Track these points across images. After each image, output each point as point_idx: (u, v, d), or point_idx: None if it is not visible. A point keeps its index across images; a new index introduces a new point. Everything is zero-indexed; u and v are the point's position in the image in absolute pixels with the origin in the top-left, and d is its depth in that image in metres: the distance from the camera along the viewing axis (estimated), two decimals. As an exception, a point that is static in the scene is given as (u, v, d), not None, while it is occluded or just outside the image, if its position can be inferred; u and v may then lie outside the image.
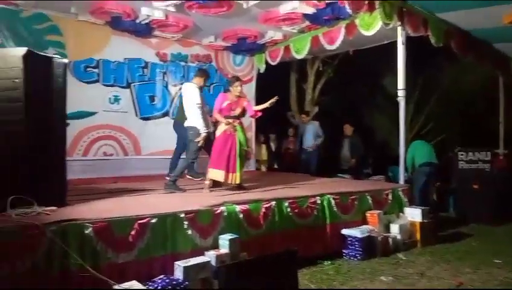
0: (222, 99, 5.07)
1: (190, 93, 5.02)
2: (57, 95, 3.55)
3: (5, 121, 3.24)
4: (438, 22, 6.00)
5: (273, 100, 5.12)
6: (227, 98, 5.06)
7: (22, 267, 2.69)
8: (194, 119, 4.91)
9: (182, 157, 6.05)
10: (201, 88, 5.18)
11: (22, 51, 3.32)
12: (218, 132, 5.01)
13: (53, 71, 3.51)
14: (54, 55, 3.66)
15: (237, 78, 5.20)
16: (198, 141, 4.82)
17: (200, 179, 5.72)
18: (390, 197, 5.37)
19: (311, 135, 8.16)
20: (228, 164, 4.86)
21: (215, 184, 5.01)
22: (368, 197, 5.12)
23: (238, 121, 5.09)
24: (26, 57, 3.29)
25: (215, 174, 4.88)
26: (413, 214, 5.24)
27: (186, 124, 5.02)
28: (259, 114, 5.27)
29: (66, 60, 3.67)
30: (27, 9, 5.73)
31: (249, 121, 8.18)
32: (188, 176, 6.04)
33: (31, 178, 3.29)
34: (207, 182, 4.94)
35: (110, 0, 5.65)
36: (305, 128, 8.31)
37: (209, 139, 5.02)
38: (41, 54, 3.60)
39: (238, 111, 5.06)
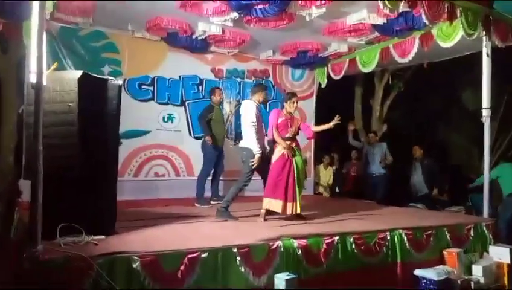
0: (277, 115, 4.99)
1: (246, 111, 4.99)
2: (110, 118, 3.65)
3: (59, 145, 3.36)
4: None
5: (336, 121, 4.96)
6: (282, 115, 4.98)
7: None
8: (249, 139, 4.86)
9: (209, 179, 6.23)
10: (260, 104, 5.13)
11: (77, 74, 3.46)
12: (275, 156, 4.90)
13: (107, 93, 3.62)
14: (109, 77, 3.78)
15: (293, 94, 5.13)
16: (253, 163, 4.75)
17: (216, 203, 5.78)
18: (472, 232, 5.08)
19: (379, 157, 7.82)
20: (286, 192, 4.74)
21: (270, 211, 4.91)
22: (446, 232, 4.87)
23: (295, 142, 4.99)
24: (81, 80, 3.42)
25: (272, 204, 4.77)
26: (500, 254, 4.89)
27: (241, 144, 5.00)
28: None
29: (120, 82, 3.77)
30: (85, 27, 6.08)
31: (306, 141, 8.05)
32: (196, 205, 6.03)
33: (82, 204, 3.37)
34: (262, 211, 4.84)
35: (166, 16, 5.82)
36: (371, 151, 7.98)
37: (264, 160, 4.92)
38: (97, 76, 3.73)
39: (294, 130, 4.98)
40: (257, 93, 5.07)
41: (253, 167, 4.79)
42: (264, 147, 5.03)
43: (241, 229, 4.30)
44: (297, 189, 4.79)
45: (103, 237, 3.39)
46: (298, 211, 4.79)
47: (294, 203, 4.77)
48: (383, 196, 7.56)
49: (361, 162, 8.52)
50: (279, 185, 4.75)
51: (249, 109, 4.97)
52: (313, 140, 8.18)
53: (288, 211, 4.77)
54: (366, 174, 8.00)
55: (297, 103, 5.05)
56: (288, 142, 4.89)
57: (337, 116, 4.97)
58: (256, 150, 4.80)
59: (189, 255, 3.23)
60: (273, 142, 5.04)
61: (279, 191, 4.74)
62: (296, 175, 4.80)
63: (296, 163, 4.87)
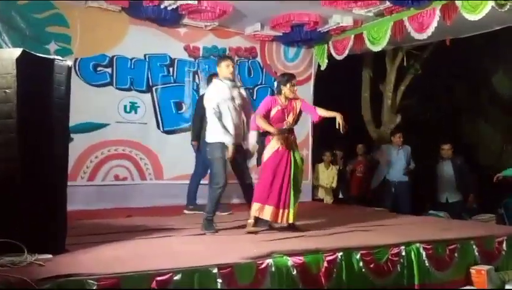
0: (270, 104, 4.94)
1: (207, 95, 4.94)
2: (58, 108, 3.61)
3: (-8, 142, 3.32)
4: None
5: (342, 126, 4.93)
6: (278, 103, 4.96)
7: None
8: (212, 130, 4.83)
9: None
10: (229, 81, 4.93)
11: (15, 53, 3.40)
12: (268, 152, 4.89)
13: (54, 77, 3.58)
14: (55, 57, 3.73)
15: (292, 75, 5.14)
16: (224, 158, 4.73)
17: (193, 212, 5.88)
18: (504, 246, 5.15)
19: (403, 163, 7.92)
20: (279, 197, 4.77)
21: (258, 220, 4.92)
22: (474, 246, 4.93)
23: (293, 135, 5.01)
24: (21, 61, 3.36)
25: (263, 211, 4.79)
26: (539, 273, 4.98)
27: (206, 138, 4.97)
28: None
29: (70, 63, 3.72)
30: (25, -6, 6.01)
31: (304, 134, 8.12)
32: (185, 211, 6.09)
33: (22, 216, 3.34)
34: (250, 221, 4.86)
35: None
36: (394, 154, 8.02)
37: (240, 156, 4.87)
38: (40, 55, 3.67)
39: (291, 119, 4.97)
40: (220, 67, 4.96)
41: (225, 161, 4.76)
42: (241, 138, 4.94)
43: (222, 244, 4.30)
44: (292, 193, 4.81)
45: (50, 256, 3.35)
46: (291, 219, 4.83)
47: (289, 211, 4.80)
48: (408, 207, 7.63)
49: (371, 160, 8.58)
50: (271, 188, 4.77)
51: (209, 91, 4.93)
52: (310, 135, 8.23)
53: (280, 219, 4.80)
54: (386, 181, 8.05)
55: (295, 86, 5.06)
56: (285, 134, 4.88)
57: (343, 123, 4.92)
58: (228, 140, 4.75)
59: (159, 278, 3.21)
60: (263, 135, 5.02)
61: (271, 194, 4.77)
62: (292, 176, 4.82)
63: (293, 160, 4.89)
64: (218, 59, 5.25)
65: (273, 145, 4.88)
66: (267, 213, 4.79)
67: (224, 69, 4.92)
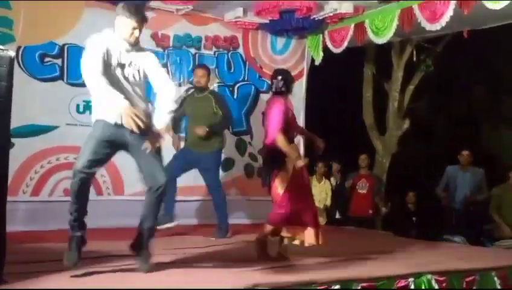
0: (285, 109, 4.97)
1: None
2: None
3: None
4: None
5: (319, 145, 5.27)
6: (288, 107, 5.06)
7: None
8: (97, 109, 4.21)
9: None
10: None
11: None
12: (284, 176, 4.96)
13: (-9, 70, 3.54)
14: (-7, 45, 3.69)
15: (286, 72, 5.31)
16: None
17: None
18: None
19: (468, 187, 7.97)
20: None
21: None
22: (495, 278, 4.97)
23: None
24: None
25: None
26: None
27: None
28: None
29: (12, 52, 3.69)
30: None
31: (295, 142, 8.11)
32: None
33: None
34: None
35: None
36: (460, 176, 8.07)
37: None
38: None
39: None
40: (120, 17, 4.16)
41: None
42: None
43: (194, 275, 4.28)
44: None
45: (-17, 289, 3.31)
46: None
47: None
48: (475, 235, 7.70)
49: (375, 173, 8.64)
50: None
51: (86, 48, 4.15)
52: (302, 143, 8.24)
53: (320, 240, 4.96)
54: (450, 207, 8.12)
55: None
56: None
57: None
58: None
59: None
60: (268, 153, 5.04)
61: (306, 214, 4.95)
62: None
63: None
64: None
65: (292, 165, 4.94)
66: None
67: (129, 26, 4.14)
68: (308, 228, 4.92)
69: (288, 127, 5.00)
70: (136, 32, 4.16)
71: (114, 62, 4.10)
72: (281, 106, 4.94)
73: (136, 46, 4.24)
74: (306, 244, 4.95)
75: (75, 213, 4.18)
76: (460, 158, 8.09)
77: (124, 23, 4.12)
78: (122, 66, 4.15)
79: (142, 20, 4.18)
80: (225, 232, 6.32)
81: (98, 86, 3.95)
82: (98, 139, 4.06)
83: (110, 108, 4.01)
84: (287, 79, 5.13)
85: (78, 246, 4.12)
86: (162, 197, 4.27)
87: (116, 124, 4.05)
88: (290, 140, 5.01)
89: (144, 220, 4.28)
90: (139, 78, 4.23)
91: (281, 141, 4.81)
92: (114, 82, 4.04)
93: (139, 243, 4.29)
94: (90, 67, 4.00)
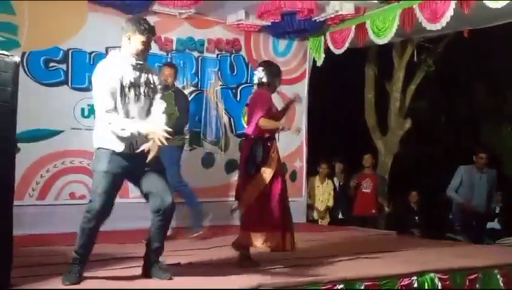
0: (269, 100, 4.90)
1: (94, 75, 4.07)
2: (2, 113, 3.56)
3: None
4: None
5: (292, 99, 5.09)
6: (272, 101, 4.95)
7: None
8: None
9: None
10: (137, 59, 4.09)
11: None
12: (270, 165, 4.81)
13: (-3, 76, 3.55)
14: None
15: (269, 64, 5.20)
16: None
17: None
18: None
19: (486, 190, 7.91)
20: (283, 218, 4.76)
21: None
22: (498, 276, 4.98)
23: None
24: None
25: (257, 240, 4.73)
26: None
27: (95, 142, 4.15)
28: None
29: (17, 58, 3.70)
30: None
31: (298, 143, 8.14)
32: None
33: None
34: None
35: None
36: (476, 178, 7.97)
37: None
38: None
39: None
40: (127, 33, 3.99)
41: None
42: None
43: (199, 276, 4.25)
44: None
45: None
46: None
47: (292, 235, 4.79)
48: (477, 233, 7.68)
49: (379, 173, 8.64)
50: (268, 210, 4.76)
51: (96, 71, 4.03)
52: (305, 144, 8.24)
53: (289, 246, 4.74)
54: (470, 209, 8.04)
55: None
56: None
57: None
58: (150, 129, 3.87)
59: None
60: (249, 145, 4.87)
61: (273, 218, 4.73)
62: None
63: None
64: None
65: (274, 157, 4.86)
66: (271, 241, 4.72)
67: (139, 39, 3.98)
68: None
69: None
70: (146, 46, 4.01)
71: (126, 82, 3.95)
72: (262, 97, 4.85)
73: (145, 62, 4.11)
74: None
75: (82, 251, 3.98)
76: (477, 160, 7.94)
77: (133, 39, 3.95)
78: (134, 85, 4.00)
79: (151, 33, 4.03)
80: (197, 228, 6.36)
81: (116, 122, 3.82)
82: (110, 177, 3.90)
83: (125, 137, 3.86)
84: (269, 71, 4.95)
85: (79, 272, 3.94)
86: (171, 218, 4.16)
87: (126, 153, 3.93)
88: (272, 136, 4.86)
89: (152, 241, 4.14)
90: (150, 95, 4.10)
91: (263, 122, 4.67)
92: (128, 102, 3.96)
93: (149, 265, 4.16)
94: (105, 103, 3.87)
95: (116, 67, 3.95)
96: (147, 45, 4.01)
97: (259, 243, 4.67)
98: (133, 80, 3.99)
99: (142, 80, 4.06)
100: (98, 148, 4.04)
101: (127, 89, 3.96)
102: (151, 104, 4.09)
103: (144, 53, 4.03)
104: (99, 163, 3.95)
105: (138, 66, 4.02)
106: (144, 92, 4.06)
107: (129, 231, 6.38)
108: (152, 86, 4.11)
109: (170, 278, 4.01)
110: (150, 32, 3.99)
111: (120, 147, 3.91)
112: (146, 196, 4.10)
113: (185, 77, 7.52)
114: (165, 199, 4.00)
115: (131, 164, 3.93)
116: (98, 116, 4.04)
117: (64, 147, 6.64)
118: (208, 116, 7.74)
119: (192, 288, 3.89)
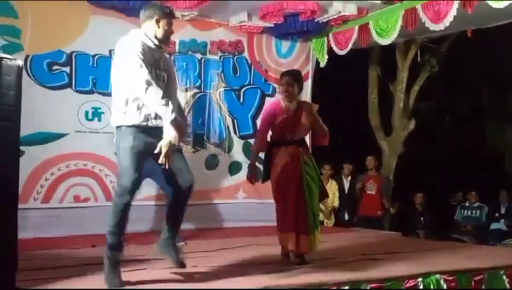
0: (274, 110, 4.98)
1: (120, 54, 4.12)
2: (6, 116, 3.55)
3: None
4: None
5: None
6: (281, 109, 4.97)
7: None
8: (119, 110, 3.97)
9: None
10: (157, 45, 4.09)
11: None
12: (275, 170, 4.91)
13: (1, 79, 3.54)
14: (2, 55, 3.69)
15: (282, 73, 5.17)
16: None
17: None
18: None
19: None
20: (297, 221, 4.78)
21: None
22: (504, 277, 4.94)
23: (301, 148, 5.00)
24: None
25: (282, 240, 4.85)
26: None
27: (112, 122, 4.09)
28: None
29: (20, 61, 3.69)
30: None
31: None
32: None
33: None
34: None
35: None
36: None
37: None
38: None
39: (299, 130, 5.00)
40: (149, 21, 4.07)
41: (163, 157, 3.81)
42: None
43: (205, 278, 4.24)
44: (311, 216, 4.84)
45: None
46: (316, 248, 4.87)
47: (310, 237, 4.79)
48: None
49: (384, 173, 8.62)
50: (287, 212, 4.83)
51: (124, 49, 4.06)
52: (309, 145, 8.22)
53: (303, 249, 4.79)
54: None
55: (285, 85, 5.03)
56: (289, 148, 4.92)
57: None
58: (169, 116, 3.78)
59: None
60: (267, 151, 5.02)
61: (288, 220, 4.79)
62: (307, 195, 4.84)
63: (308, 178, 4.91)
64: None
65: (278, 161, 4.91)
66: (287, 241, 4.81)
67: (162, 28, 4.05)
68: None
69: (275, 130, 5.00)
70: (170, 29, 4.07)
71: (151, 62, 3.93)
72: (266, 106, 5.08)
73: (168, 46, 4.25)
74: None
75: (118, 235, 3.99)
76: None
77: (162, 22, 4.00)
78: (157, 67, 4.02)
79: (172, 17, 4.10)
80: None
81: (156, 94, 3.75)
82: (136, 152, 3.87)
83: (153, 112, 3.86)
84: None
85: (118, 269, 3.97)
86: (190, 194, 4.19)
87: (151, 128, 3.92)
88: (279, 144, 4.95)
89: (173, 217, 4.18)
90: (170, 79, 4.15)
91: (255, 139, 4.94)
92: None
93: (166, 243, 4.14)
94: (145, 73, 3.80)
95: (145, 46, 3.98)
96: (171, 28, 4.10)
97: (282, 243, 4.89)
98: (157, 63, 4.02)
99: (162, 65, 4.09)
100: (118, 127, 3.98)
101: (153, 69, 3.95)
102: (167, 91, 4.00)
103: (170, 36, 4.13)
104: (124, 140, 3.92)
105: (161, 50, 4.12)
106: (163, 77, 4.08)
107: (133, 233, 6.35)
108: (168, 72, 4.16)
109: (183, 264, 4.06)
110: (174, 16, 4.17)
111: (139, 119, 3.90)
112: (170, 174, 4.02)
113: (187, 79, 7.54)
114: (191, 175, 4.13)
115: (155, 139, 3.86)
116: (117, 93, 3.98)
117: (69, 150, 6.64)
118: (211, 118, 7.75)
119: (199, 289, 3.87)
